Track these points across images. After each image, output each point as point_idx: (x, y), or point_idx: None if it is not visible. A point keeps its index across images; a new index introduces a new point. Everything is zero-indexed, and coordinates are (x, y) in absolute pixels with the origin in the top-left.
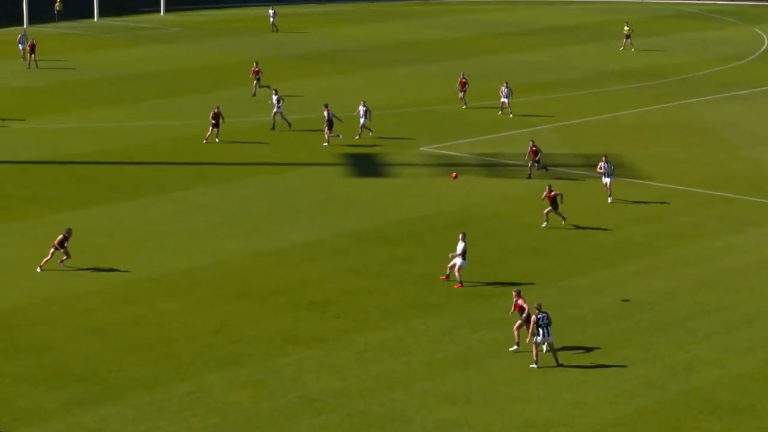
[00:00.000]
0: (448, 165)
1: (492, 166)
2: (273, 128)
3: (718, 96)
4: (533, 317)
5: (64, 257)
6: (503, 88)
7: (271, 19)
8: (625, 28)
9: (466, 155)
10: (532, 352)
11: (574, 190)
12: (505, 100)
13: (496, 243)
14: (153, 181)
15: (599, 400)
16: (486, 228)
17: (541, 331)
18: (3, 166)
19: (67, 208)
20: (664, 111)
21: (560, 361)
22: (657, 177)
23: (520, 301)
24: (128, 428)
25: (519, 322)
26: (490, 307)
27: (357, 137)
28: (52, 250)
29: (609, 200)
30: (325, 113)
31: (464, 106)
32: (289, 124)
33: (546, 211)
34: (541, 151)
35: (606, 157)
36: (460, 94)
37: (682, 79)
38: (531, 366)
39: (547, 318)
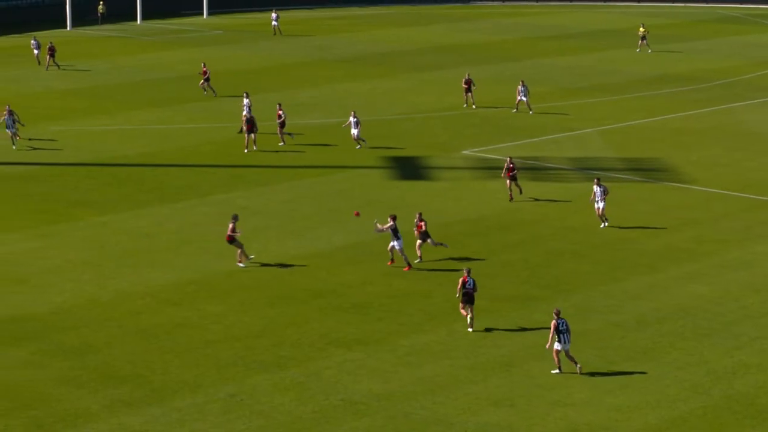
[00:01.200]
0: (491, 168)
1: (535, 170)
2: (240, 131)
3: (762, 100)
4: (552, 322)
5: (239, 251)
6: (520, 87)
7: (274, 23)
8: (641, 29)
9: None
10: (553, 358)
11: (617, 194)
12: (524, 98)
13: (538, 247)
14: (195, 184)
15: (642, 405)
16: (529, 232)
17: (561, 338)
18: (47, 169)
19: (111, 210)
20: (707, 115)
21: (580, 366)
22: (700, 181)
23: (464, 278)
24: (172, 430)
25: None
26: (532, 311)
27: (358, 147)
28: (235, 245)
29: (602, 226)
30: (280, 113)
31: (473, 107)
32: (241, 130)
33: (418, 244)
34: (517, 170)
35: (598, 180)
36: (465, 94)
37: (726, 83)
38: (553, 372)
39: (566, 324)
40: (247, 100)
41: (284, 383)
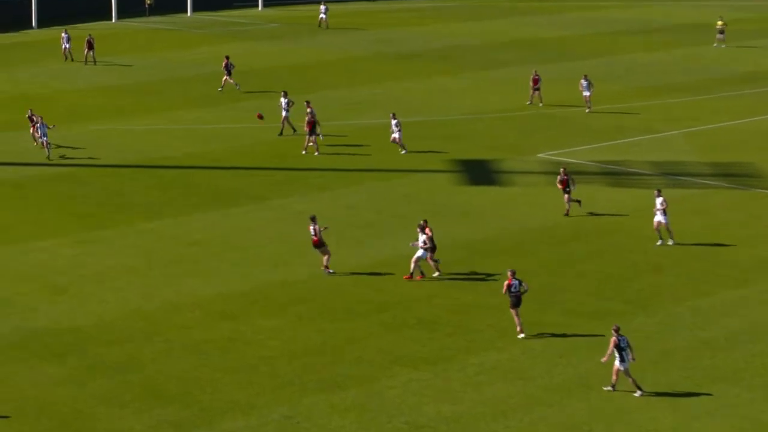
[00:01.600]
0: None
1: (615, 175)
2: (281, 134)
3: None
4: (612, 339)
5: (326, 257)
6: (582, 81)
7: (322, 16)
8: (719, 23)
9: (587, 162)
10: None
11: (703, 201)
12: (587, 93)
13: (618, 258)
14: (249, 187)
15: (733, 431)
16: (608, 242)
17: (622, 355)
18: (89, 170)
19: (158, 215)
20: None
21: (642, 393)
22: None
23: (510, 282)
24: None
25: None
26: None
27: (403, 152)
28: (322, 251)
29: (670, 242)
30: (308, 110)
31: (540, 104)
32: (294, 129)
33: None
34: (573, 182)
35: (659, 191)
36: (533, 93)
37: None
38: (635, 394)
39: (627, 341)
40: (285, 100)
41: (344, 404)
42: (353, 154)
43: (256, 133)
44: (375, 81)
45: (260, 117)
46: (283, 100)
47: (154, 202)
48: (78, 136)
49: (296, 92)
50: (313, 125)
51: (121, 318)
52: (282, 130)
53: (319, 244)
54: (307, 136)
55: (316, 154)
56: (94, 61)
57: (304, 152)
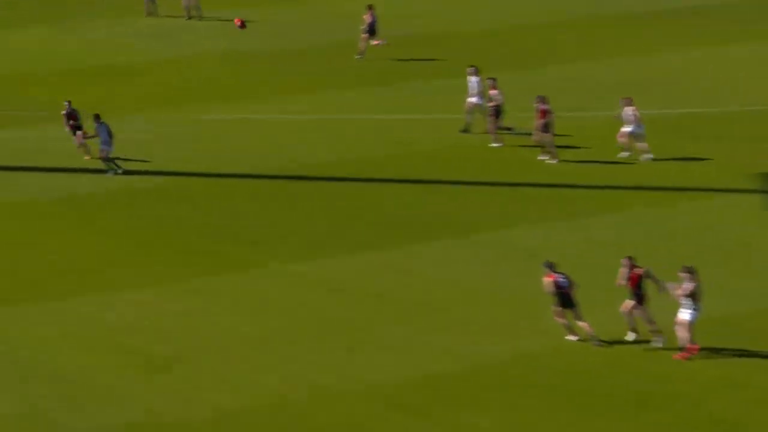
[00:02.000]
0: None
1: None
2: (464, 130)
3: None
4: None
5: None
6: None
7: None
8: None
9: None
10: None
11: None
12: None
13: None
14: (445, 212)
15: None
16: None
17: None
18: (197, 182)
19: (303, 252)
20: None
21: None
22: None
23: None
24: None
25: None
26: None
27: (624, 154)
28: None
29: None
30: (493, 92)
31: None
32: (466, 126)
33: (629, 307)
34: None
35: None
36: None
37: None
38: None
39: None
40: (476, 78)
41: None
42: (599, 162)
43: (443, 127)
44: (620, 51)
45: (242, 25)
46: (473, 79)
47: (294, 231)
48: (176, 128)
49: (491, 71)
50: (546, 112)
51: (251, 409)
52: (466, 124)
53: (572, 302)
54: (540, 131)
55: (554, 162)
56: (199, 15)
57: (552, 159)
